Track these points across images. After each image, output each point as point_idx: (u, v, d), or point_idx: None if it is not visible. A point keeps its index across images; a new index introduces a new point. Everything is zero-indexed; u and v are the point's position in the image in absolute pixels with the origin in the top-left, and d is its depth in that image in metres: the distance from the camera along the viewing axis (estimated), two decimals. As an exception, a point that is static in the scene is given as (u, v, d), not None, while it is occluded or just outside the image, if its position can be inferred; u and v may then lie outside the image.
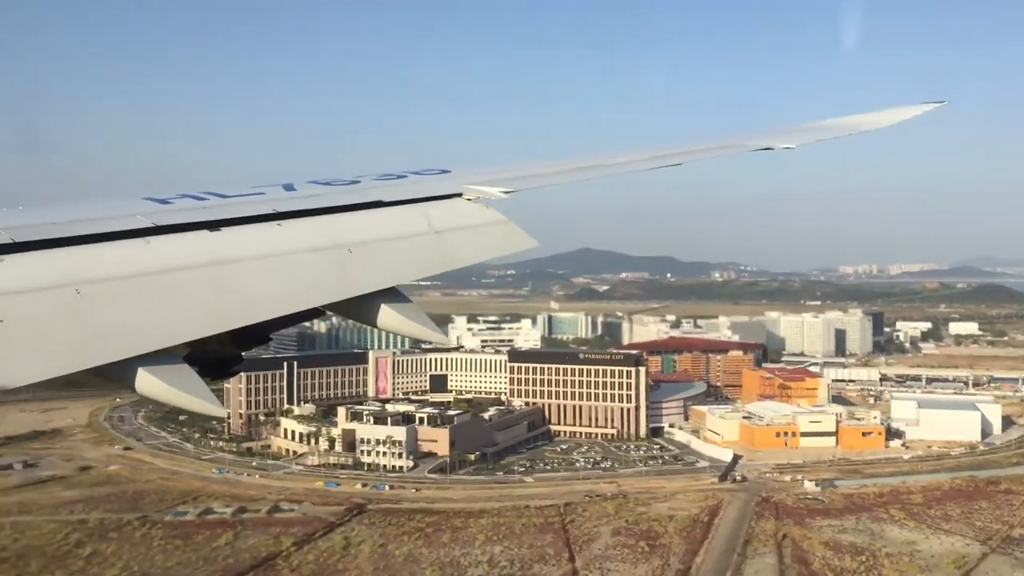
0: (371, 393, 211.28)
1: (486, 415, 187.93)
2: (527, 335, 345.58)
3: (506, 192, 7.53)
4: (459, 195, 7.29)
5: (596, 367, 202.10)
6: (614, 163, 9.33)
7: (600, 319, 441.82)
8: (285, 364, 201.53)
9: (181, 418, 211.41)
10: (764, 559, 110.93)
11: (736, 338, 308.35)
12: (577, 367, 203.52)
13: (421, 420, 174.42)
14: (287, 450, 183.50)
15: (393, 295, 5.95)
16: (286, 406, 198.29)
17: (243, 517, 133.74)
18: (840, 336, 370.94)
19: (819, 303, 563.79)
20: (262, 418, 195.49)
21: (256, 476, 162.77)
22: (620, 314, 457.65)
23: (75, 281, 4.48)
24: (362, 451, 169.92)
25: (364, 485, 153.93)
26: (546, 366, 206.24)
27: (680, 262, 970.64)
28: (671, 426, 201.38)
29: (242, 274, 5.22)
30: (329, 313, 6.04)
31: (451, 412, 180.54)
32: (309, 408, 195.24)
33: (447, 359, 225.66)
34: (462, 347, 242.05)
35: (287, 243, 5.69)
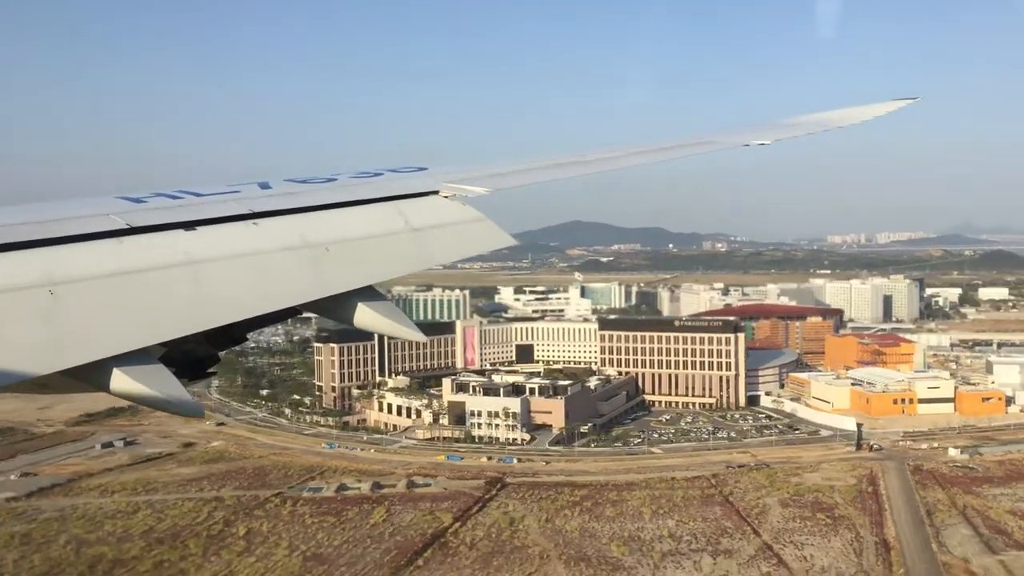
0: (459, 364, 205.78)
1: (588, 385, 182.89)
2: (577, 304, 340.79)
3: (483, 190, 7.45)
4: (436, 193, 7.19)
5: (692, 334, 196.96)
6: (593, 160, 9.43)
7: (634, 289, 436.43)
8: (376, 335, 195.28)
9: (263, 392, 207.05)
10: (958, 530, 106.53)
11: (793, 304, 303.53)
12: (672, 335, 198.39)
13: (532, 391, 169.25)
14: (385, 423, 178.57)
15: (370, 293, 5.86)
16: (378, 378, 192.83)
17: (383, 493, 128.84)
18: (887, 302, 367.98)
19: (829, 272, 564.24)
20: (355, 391, 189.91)
21: (371, 451, 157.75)
22: (642, 284, 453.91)
23: (48, 282, 4.44)
24: (472, 424, 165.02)
25: (489, 458, 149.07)
26: (639, 334, 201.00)
27: (670, 233, 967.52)
28: (767, 394, 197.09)
29: (218, 274, 5.15)
30: (306, 313, 5.89)
31: (561, 383, 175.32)
32: (403, 380, 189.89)
33: (533, 328, 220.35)
34: (545, 316, 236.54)
35: (263, 242, 5.60)
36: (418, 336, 6.30)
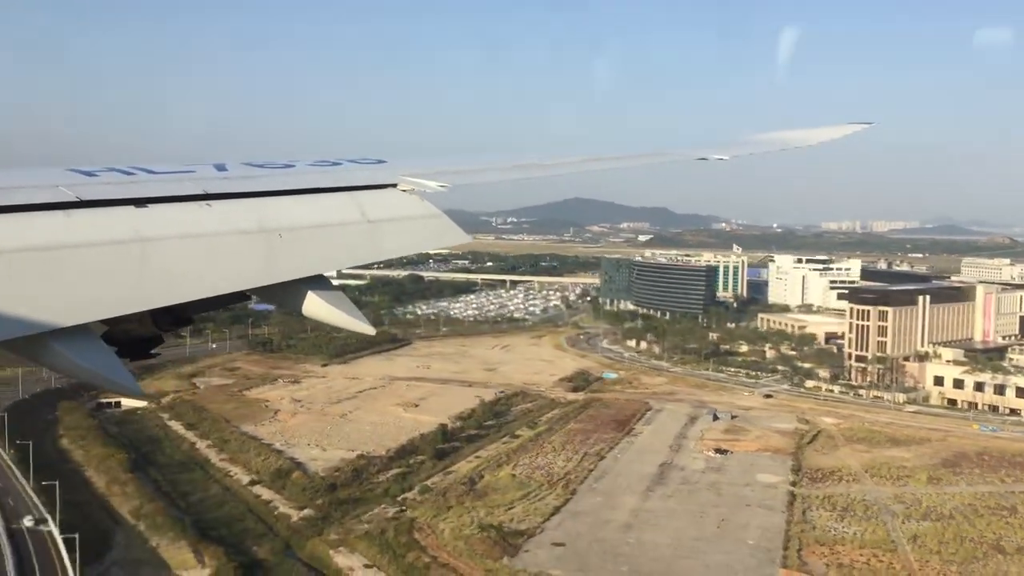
0: (976, 335, 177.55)
1: None
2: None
3: (441, 186, 7.26)
4: (395, 186, 7.03)
5: None
6: (552, 164, 9.47)
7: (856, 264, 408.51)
8: (920, 299, 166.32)
9: (729, 358, 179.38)
10: None
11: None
12: None
13: None
14: (958, 400, 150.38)
15: (320, 282, 5.71)
16: (919, 348, 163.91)
17: None
18: None
19: (921, 255, 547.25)
20: (903, 362, 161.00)
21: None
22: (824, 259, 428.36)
23: None
24: None
25: None
26: None
27: (674, 214, 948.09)
28: None
29: (166, 253, 4.99)
30: (254, 297, 5.77)
31: None
32: (956, 352, 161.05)
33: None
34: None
35: (215, 224, 5.43)
36: (367, 328, 5.70)
